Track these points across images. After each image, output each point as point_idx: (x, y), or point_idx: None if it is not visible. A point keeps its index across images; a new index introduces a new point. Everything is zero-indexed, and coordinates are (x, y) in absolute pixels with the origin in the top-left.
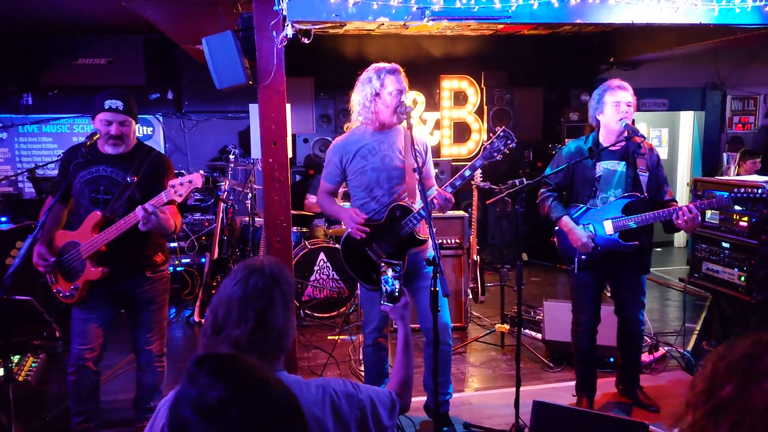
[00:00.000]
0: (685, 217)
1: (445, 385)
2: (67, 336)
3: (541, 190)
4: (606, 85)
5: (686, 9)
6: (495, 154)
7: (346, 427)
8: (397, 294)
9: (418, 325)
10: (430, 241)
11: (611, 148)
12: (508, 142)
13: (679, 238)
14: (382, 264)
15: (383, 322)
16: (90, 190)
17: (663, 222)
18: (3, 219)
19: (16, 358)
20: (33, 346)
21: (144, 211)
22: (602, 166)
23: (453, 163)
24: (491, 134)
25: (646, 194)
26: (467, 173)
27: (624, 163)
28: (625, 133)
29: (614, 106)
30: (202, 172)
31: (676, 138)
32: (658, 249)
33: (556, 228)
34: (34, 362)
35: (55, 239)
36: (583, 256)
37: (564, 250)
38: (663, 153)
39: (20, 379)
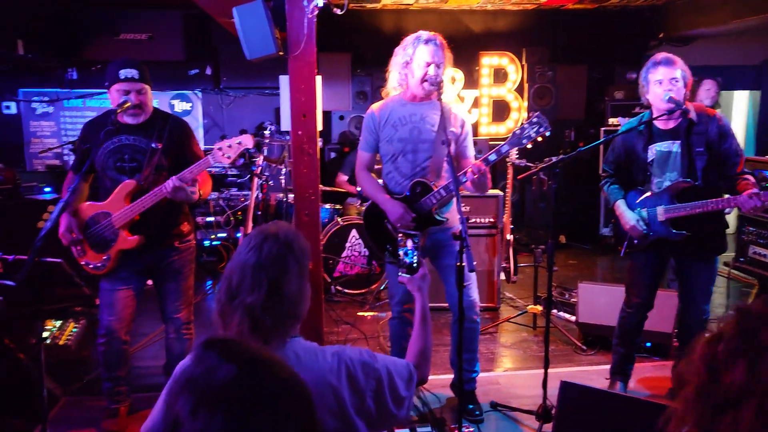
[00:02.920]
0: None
1: (471, 363)
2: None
3: (602, 178)
4: (650, 61)
5: None
6: (524, 141)
7: (362, 396)
8: (415, 265)
9: (447, 304)
10: (455, 217)
11: (665, 127)
12: (541, 129)
13: (731, 225)
14: (400, 235)
15: (407, 296)
16: (115, 159)
17: None
18: (47, 189)
19: (58, 323)
20: (74, 313)
21: (173, 182)
22: (655, 149)
23: (490, 143)
24: (529, 114)
25: (700, 180)
26: (492, 157)
27: (679, 143)
28: (670, 106)
29: (656, 85)
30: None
31: (729, 119)
32: None
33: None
34: (74, 328)
35: (81, 211)
36: (635, 241)
37: (620, 231)
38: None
39: (61, 343)
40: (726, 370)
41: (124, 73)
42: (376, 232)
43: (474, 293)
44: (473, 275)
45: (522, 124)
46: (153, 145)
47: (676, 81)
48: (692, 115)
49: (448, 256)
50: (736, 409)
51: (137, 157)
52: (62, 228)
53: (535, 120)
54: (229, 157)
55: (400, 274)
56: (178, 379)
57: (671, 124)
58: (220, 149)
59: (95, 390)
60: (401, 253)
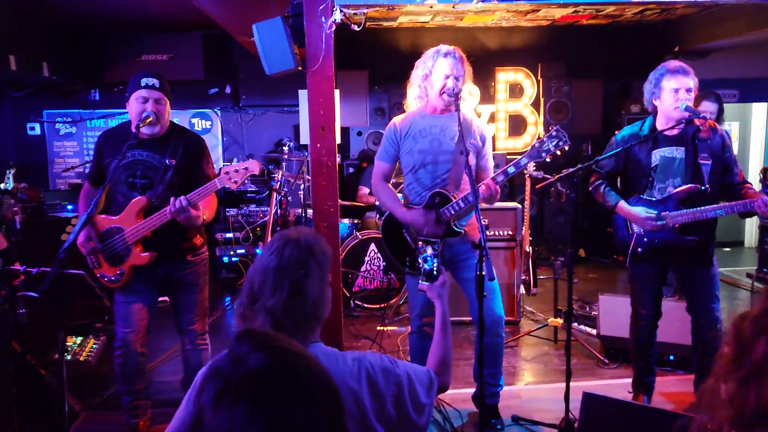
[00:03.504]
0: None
1: (495, 377)
2: None
3: (592, 179)
4: (664, 67)
5: None
6: (543, 154)
7: (382, 401)
8: (435, 272)
9: (467, 318)
10: (474, 229)
11: (668, 133)
12: (560, 143)
13: (750, 238)
14: (420, 242)
15: (427, 309)
16: (126, 174)
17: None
18: (70, 207)
19: (78, 339)
20: (94, 329)
21: (179, 203)
22: (659, 154)
23: (508, 157)
24: (549, 128)
25: (707, 186)
26: (510, 170)
27: (683, 149)
28: (686, 115)
29: (672, 93)
30: (258, 160)
31: (747, 131)
32: (727, 249)
33: (613, 216)
34: (95, 344)
35: (96, 224)
36: (639, 249)
37: (620, 240)
38: (733, 148)
39: (81, 359)
40: (751, 344)
41: (145, 80)
42: (395, 242)
43: (500, 309)
44: (498, 291)
45: (541, 137)
46: (166, 162)
47: (690, 91)
48: (698, 122)
49: (468, 269)
50: (759, 380)
51: (149, 174)
52: (81, 237)
53: (554, 133)
54: (235, 182)
55: (420, 282)
56: (205, 372)
57: (675, 131)
58: (227, 173)
59: (115, 405)
60: (420, 260)
